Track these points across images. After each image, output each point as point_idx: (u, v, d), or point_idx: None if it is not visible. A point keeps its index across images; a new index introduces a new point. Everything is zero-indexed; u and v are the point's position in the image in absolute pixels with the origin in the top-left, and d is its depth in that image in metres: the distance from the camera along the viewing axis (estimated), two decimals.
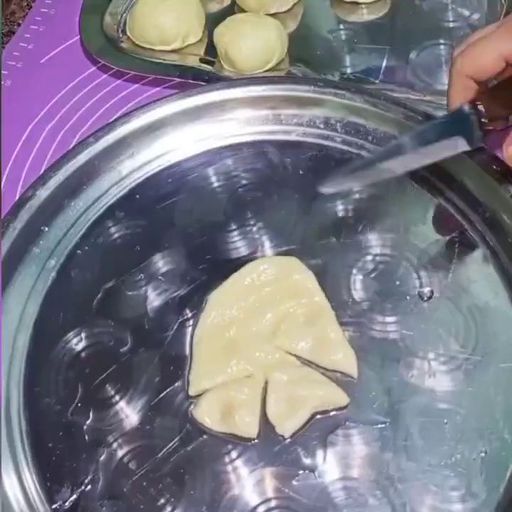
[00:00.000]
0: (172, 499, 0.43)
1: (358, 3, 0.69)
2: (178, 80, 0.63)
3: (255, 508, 0.42)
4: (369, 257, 0.51)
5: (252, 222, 0.54)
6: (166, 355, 0.48)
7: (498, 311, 0.48)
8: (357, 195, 0.54)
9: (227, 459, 0.44)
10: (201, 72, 0.64)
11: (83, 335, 0.49)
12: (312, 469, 0.43)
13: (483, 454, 0.42)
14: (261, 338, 0.48)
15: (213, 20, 0.68)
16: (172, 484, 0.43)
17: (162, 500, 0.43)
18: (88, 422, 0.46)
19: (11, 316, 0.50)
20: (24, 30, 0.72)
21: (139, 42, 0.67)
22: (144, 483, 0.43)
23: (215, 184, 0.56)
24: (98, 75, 0.67)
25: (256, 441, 0.44)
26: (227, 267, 0.51)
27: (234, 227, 0.54)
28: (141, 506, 0.43)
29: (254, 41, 0.63)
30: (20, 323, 0.50)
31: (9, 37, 0.72)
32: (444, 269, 0.50)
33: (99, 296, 0.51)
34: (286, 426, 0.44)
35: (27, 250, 0.53)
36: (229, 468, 0.44)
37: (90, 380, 0.47)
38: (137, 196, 0.56)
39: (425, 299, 0.49)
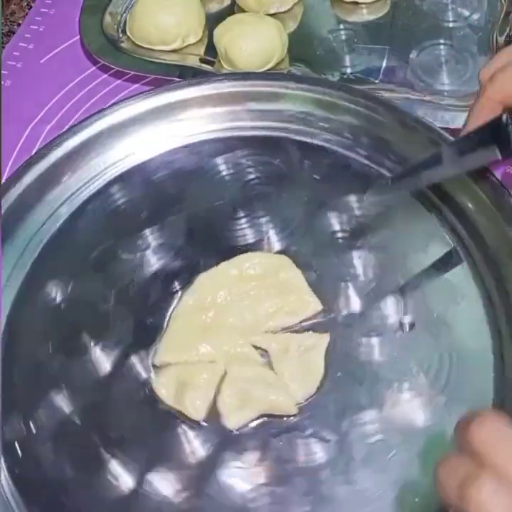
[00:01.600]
0: (111, 455, 0.44)
1: (358, 3, 0.69)
2: (178, 79, 0.63)
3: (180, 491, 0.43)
4: (360, 275, 0.50)
5: (256, 215, 0.54)
6: (143, 322, 0.49)
7: (477, 357, 0.46)
8: (361, 212, 0.53)
9: (170, 433, 0.45)
10: (201, 72, 0.64)
11: (71, 284, 0.51)
12: (246, 467, 0.43)
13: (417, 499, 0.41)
14: (234, 330, 0.48)
15: (213, 20, 0.68)
16: (115, 441, 0.45)
17: (103, 454, 0.44)
18: (54, 366, 0.48)
19: (14, 250, 0.53)
20: (24, 30, 0.72)
21: (139, 42, 0.67)
22: (89, 435, 0.45)
23: (230, 172, 0.56)
24: (98, 75, 0.67)
25: (204, 424, 0.45)
26: (224, 252, 0.51)
27: (239, 216, 0.54)
28: (81, 454, 0.45)
29: (254, 41, 0.63)
30: (19, 258, 0.53)
31: (9, 37, 0.72)
32: (432, 303, 0.48)
33: (96, 252, 0.53)
34: (232, 419, 0.45)
35: (42, 195, 0.55)
36: (171, 441, 0.45)
37: (66, 329, 0.49)
38: (157, 167, 0.57)
39: (406, 329, 0.48)
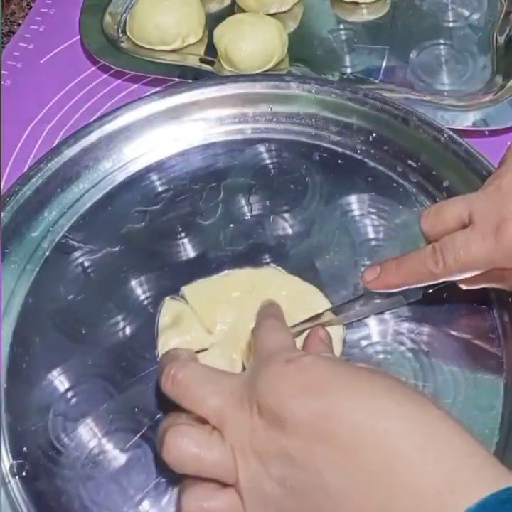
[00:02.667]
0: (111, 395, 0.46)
1: (358, 3, 0.70)
2: (178, 79, 0.63)
3: None
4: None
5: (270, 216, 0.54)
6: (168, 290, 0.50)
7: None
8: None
9: None
10: (201, 72, 0.64)
11: (101, 253, 0.53)
12: None
13: None
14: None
15: (213, 20, 0.68)
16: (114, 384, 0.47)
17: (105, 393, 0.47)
18: (70, 322, 0.50)
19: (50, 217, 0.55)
20: (24, 30, 0.72)
21: (139, 42, 0.67)
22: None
23: (241, 174, 0.56)
24: (98, 75, 0.67)
25: None
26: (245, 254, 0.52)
27: (252, 215, 0.54)
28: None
29: (254, 41, 0.63)
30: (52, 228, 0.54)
31: (9, 37, 0.72)
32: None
33: (127, 227, 0.54)
34: None
35: (50, 198, 0.55)
36: None
37: (89, 292, 0.51)
38: (169, 168, 0.58)
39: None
